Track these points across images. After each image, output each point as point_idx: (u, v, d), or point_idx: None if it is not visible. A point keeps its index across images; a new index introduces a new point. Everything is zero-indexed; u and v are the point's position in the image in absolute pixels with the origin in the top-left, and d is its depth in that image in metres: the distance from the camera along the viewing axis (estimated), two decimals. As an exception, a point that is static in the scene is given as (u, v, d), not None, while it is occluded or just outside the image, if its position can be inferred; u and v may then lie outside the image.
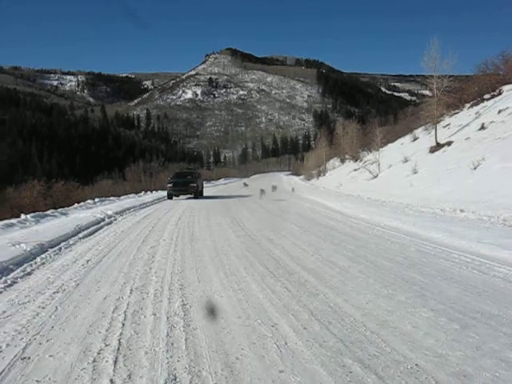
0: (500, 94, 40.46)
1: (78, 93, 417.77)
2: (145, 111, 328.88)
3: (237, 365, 5.19)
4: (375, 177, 41.22)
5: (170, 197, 36.97)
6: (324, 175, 75.08)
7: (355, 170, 54.13)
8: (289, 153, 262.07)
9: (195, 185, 37.26)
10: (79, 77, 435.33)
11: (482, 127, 32.42)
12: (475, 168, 24.47)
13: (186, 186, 37.04)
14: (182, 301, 7.53)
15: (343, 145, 71.00)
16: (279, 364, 5.17)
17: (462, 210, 17.75)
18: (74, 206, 27.14)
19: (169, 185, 37.50)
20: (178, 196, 37.42)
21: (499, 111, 33.44)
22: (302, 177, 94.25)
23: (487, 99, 41.66)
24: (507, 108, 32.71)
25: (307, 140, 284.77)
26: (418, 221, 15.99)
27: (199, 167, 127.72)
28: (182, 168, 62.55)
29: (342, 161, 72.64)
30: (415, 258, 10.28)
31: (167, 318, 6.73)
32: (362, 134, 66.53)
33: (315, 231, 15.14)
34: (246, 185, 46.11)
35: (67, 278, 9.36)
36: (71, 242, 14.20)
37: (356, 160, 62.58)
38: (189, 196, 37.30)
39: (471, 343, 5.49)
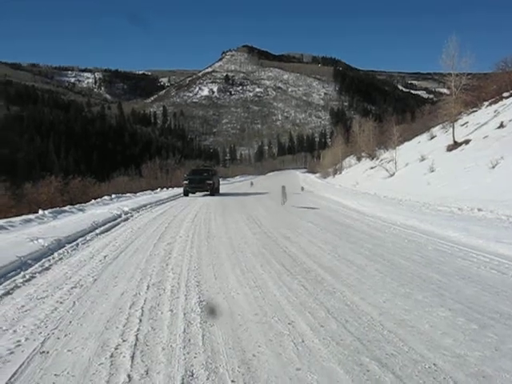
0: (519, 92, 40.12)
1: (95, 90, 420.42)
2: (161, 108, 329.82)
3: (254, 362, 5.19)
4: (392, 175, 41.02)
5: (185, 194, 37.05)
6: (340, 173, 74.83)
7: (372, 168, 53.91)
8: (305, 150, 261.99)
9: (211, 182, 37.31)
10: (96, 74, 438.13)
11: (501, 125, 32.15)
12: (493, 167, 24.27)
13: (202, 183, 37.09)
14: (199, 297, 7.56)
15: (359, 143, 70.72)
16: (296, 362, 5.16)
17: (479, 209, 17.62)
18: (91, 202, 27.28)
19: (185, 182, 37.57)
20: (194, 193, 37.50)
21: (518, 110, 33.16)
22: (318, 175, 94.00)
23: (506, 97, 41.30)
24: (526, 106, 32.43)
25: (323, 138, 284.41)
26: (435, 219, 15.90)
27: (215, 164, 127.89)
28: (198, 165, 62.71)
29: (359, 159, 72.33)
30: (432, 257, 10.23)
31: (184, 314, 6.75)
32: (379, 132, 66.17)
33: (332, 229, 15.10)
34: (252, 184, 44.93)
35: (85, 274, 9.42)
36: (88, 237, 14.29)
37: (372, 158, 62.31)
38: (205, 193, 37.38)
39: (490, 343, 5.46)
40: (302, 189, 29.56)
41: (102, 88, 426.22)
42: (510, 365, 4.95)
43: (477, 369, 4.88)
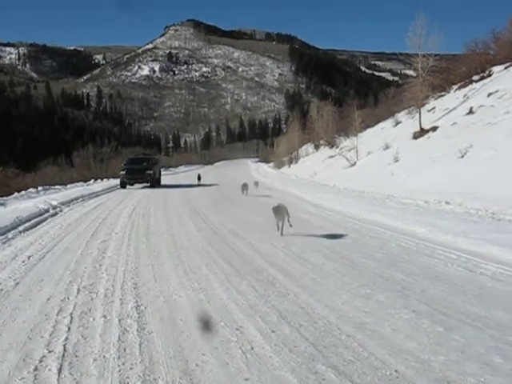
0: (490, 75, 40.95)
1: (19, 67, 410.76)
2: (95, 89, 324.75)
3: (197, 372, 5.19)
4: (353, 165, 41.49)
5: (123, 185, 36.76)
6: (296, 163, 75.25)
7: (331, 157, 54.40)
8: (257, 137, 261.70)
9: (152, 172, 37.09)
10: (20, 49, 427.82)
11: (471, 111, 32.81)
12: (462, 156, 24.77)
13: (142, 173, 36.83)
14: (136, 301, 7.52)
15: (318, 129, 71.23)
16: (244, 371, 5.18)
17: (447, 202, 17.99)
18: (14, 195, 26.78)
19: (122, 172, 37.27)
20: (132, 185, 37.21)
21: (489, 94, 33.88)
22: (271, 164, 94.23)
23: (476, 81, 42.13)
24: (497, 91, 33.15)
25: (278, 123, 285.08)
26: (400, 213, 16.16)
27: (156, 153, 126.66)
28: (137, 153, 61.77)
29: (317, 147, 72.86)
30: (396, 255, 10.40)
31: (119, 320, 6.71)
32: (339, 117, 66.76)
33: (286, 225, 15.19)
34: (200, 179, 41.73)
35: (5, 277, 9.24)
36: (10, 235, 14.03)
37: (332, 146, 62.85)
38: (144, 185, 37.13)
39: (455, 347, 5.58)
40: (257, 184, 29.07)
41: (27, 65, 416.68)
42: (475, 368, 5.07)
43: (441, 374, 4.98)
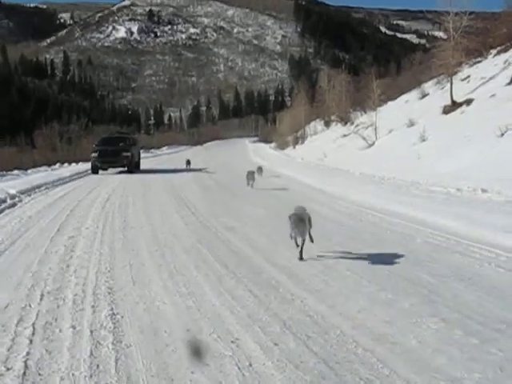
0: (536, 36, 40.82)
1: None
2: (61, 55, 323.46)
3: (184, 394, 5.20)
4: (371, 145, 41.45)
5: (95, 170, 36.74)
6: (303, 143, 75.16)
7: (344, 136, 54.33)
8: (256, 113, 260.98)
9: (129, 154, 37.06)
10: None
11: (513, 81, 32.76)
12: (502, 134, 24.71)
13: (117, 155, 36.78)
14: (111, 309, 7.53)
15: (329, 103, 71.08)
16: (241, 392, 5.20)
17: (484, 190, 17.97)
18: (-37, 182, 26.72)
19: (94, 154, 37.19)
20: (106, 169, 37.20)
21: (535, 60, 33.81)
22: (273, 145, 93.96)
23: (520, 44, 42.00)
24: (545, 55, 33.08)
25: (281, 96, 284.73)
26: (427, 203, 16.17)
27: (135, 131, 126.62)
28: (112, 132, 61.74)
29: (327, 124, 72.76)
30: (422, 253, 10.41)
31: (91, 331, 6.72)
32: (354, 88, 66.65)
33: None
34: (188, 164, 39.94)
35: (-47, 280, 9.25)
36: (-41, 230, 14.05)
37: (345, 123, 62.78)
38: (120, 169, 37.07)
39: (493, 362, 5.58)
40: (260, 170, 27.49)
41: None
42: (517, 389, 5.10)
43: (476, 396, 5.00)
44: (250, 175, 24.04)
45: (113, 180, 30.38)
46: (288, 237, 10.44)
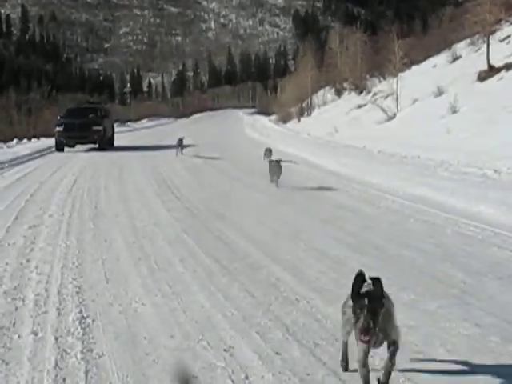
0: None
1: None
2: (19, 9, 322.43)
3: (168, 413, 5.23)
4: (391, 118, 41.46)
5: (60, 147, 36.63)
6: (309, 115, 75.16)
7: (359, 106, 54.34)
8: (253, 79, 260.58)
9: (100, 128, 36.94)
10: None
11: (562, 41, 32.75)
12: (549, 105, 24.74)
13: (86, 129, 36.59)
14: (80, 312, 7.53)
15: (341, 67, 71.07)
16: (235, 411, 5.22)
17: (527, 172, 18.00)
18: None
19: (58, 128, 36.99)
20: (73, 146, 37.07)
21: None
22: (273, 117, 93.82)
23: None
24: None
25: (283, 59, 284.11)
26: (459, 187, 16.17)
27: (107, 101, 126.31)
28: (80, 102, 61.60)
29: (339, 92, 72.74)
30: (453, 246, 10.43)
31: (56, 338, 6.71)
32: (372, 50, 66.56)
33: (294, 202, 15.25)
34: (181, 146, 33.98)
35: None
36: None
37: (361, 91, 62.79)
38: (90, 146, 36.96)
39: (536, 374, 5.62)
40: (269, 152, 25.05)
41: None
42: None
43: (517, 414, 5.02)
44: (274, 167, 18.59)
45: (81, 159, 30.37)
46: (292, 223, 10.41)
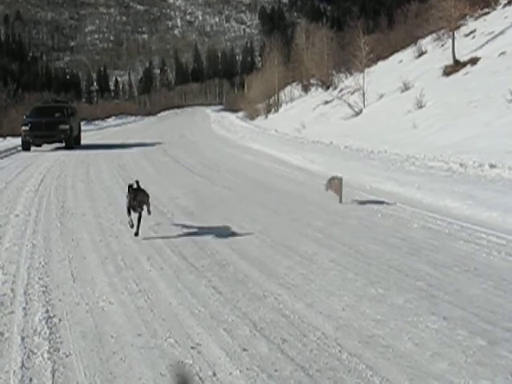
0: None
1: None
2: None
3: (136, 411, 5.20)
4: (358, 113, 41.56)
5: (26, 146, 36.35)
6: (277, 111, 75.16)
7: (326, 102, 54.36)
8: (220, 76, 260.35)
9: (67, 127, 36.64)
10: None
11: (526, 36, 32.93)
12: (514, 99, 24.87)
13: (53, 128, 36.34)
14: (47, 311, 7.49)
15: (307, 63, 71.04)
16: (204, 408, 5.20)
17: (492, 166, 18.06)
18: None
19: (24, 127, 36.67)
20: (39, 145, 36.83)
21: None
22: (240, 114, 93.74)
23: (533, -8, 42.22)
24: None
25: (250, 55, 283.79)
26: (425, 182, 16.23)
27: (74, 99, 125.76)
28: (47, 100, 61.25)
29: (306, 88, 72.83)
30: (420, 240, 10.48)
31: (22, 338, 6.68)
32: (338, 45, 66.65)
33: (262, 199, 15.25)
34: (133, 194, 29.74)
35: None
36: None
37: (328, 87, 62.85)
38: (57, 145, 36.76)
39: (503, 367, 5.62)
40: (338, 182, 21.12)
41: None
42: (531, 397, 5.14)
43: (484, 407, 5.03)
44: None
45: (47, 158, 30.18)
46: (260, 223, 10.43)
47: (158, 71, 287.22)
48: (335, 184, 14.45)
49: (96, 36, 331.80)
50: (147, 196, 11.97)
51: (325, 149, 28.57)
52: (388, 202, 13.60)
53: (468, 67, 34.99)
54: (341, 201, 14.17)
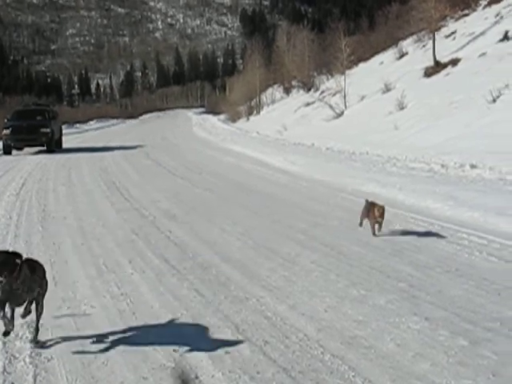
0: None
1: None
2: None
3: (117, 415, 5.19)
4: (339, 115, 41.57)
5: (7, 150, 36.22)
6: (258, 113, 75.06)
7: (308, 104, 54.36)
8: (201, 79, 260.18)
9: (48, 130, 36.49)
10: None
11: (506, 37, 33.01)
12: (494, 100, 24.94)
13: (34, 132, 36.17)
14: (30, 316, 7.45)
15: (288, 65, 71.02)
16: (186, 410, 5.20)
17: (473, 166, 18.12)
18: None
19: (5, 131, 36.47)
20: (20, 149, 36.66)
21: (532, 11, 34.11)
22: (222, 116, 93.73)
23: (514, -8, 42.30)
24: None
25: (231, 58, 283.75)
26: (406, 183, 16.26)
27: (55, 103, 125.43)
28: (28, 104, 61.08)
29: (287, 90, 72.81)
30: (401, 241, 10.52)
31: (4, 343, 6.68)
32: (319, 47, 66.67)
33: (243, 201, 15.25)
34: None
35: None
36: None
37: (309, 89, 62.86)
38: (39, 149, 36.63)
39: (485, 367, 5.63)
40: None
41: None
42: (513, 397, 5.16)
43: (466, 407, 5.04)
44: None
45: (29, 162, 30.05)
46: (242, 225, 10.43)
47: (139, 74, 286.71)
48: (374, 212, 11.41)
49: (77, 39, 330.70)
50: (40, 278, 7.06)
51: (306, 151, 28.59)
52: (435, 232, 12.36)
53: (449, 68, 35.08)
54: (379, 230, 11.27)
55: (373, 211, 11.23)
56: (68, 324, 7.12)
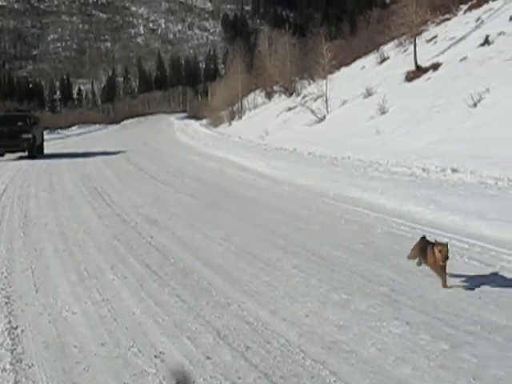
0: (515, -11, 41.26)
1: None
2: None
3: (99, 421, 5.18)
4: (321, 120, 41.62)
5: (-12, 156, 36.00)
6: (240, 118, 75.14)
7: (289, 109, 54.42)
8: (183, 84, 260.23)
9: (30, 136, 36.33)
10: None
11: (486, 42, 33.15)
12: (475, 104, 25.04)
13: (15, 137, 36.00)
14: (9, 322, 7.46)
15: (270, 70, 71.09)
16: (167, 416, 5.19)
17: (454, 170, 18.17)
18: None
19: (-14, 137, 36.45)
20: (1, 155, 36.45)
21: (512, 17, 34.25)
22: (204, 121, 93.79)
23: (494, -2, 42.52)
24: (524, 11, 33.50)
25: (213, 63, 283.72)
26: (388, 187, 16.27)
27: (36, 108, 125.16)
28: (9, 109, 60.91)
29: (269, 95, 72.89)
30: (383, 245, 10.51)
31: (-15, 350, 6.61)
32: (301, 52, 66.75)
33: (225, 206, 15.23)
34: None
35: None
36: None
37: (291, 94, 62.94)
38: (20, 154, 36.52)
39: (466, 370, 5.67)
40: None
41: None
42: (493, 400, 5.17)
43: (447, 411, 5.05)
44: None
45: (11, 167, 29.95)
46: (224, 230, 10.41)
47: (121, 79, 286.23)
48: (435, 255, 8.35)
49: (59, 44, 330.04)
50: None
51: (288, 155, 28.60)
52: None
53: (430, 73, 35.17)
54: (445, 283, 8.26)
55: (432, 253, 8.34)
56: (49, 330, 7.08)
